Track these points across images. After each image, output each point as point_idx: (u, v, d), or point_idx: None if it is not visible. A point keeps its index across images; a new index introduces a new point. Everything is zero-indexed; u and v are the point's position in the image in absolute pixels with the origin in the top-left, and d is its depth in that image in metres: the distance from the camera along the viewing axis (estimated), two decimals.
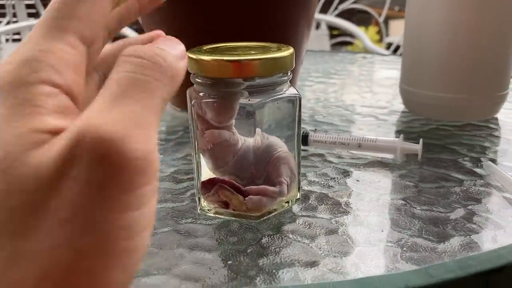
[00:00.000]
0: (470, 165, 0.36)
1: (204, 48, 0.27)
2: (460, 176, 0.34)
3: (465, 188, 0.33)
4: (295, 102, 0.27)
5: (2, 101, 0.16)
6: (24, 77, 0.17)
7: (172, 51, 0.19)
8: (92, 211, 0.14)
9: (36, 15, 1.86)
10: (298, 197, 0.30)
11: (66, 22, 0.19)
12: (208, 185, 0.27)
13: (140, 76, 0.17)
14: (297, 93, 0.27)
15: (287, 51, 0.26)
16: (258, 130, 0.26)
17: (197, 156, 0.28)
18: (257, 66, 0.24)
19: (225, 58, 0.24)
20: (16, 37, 1.90)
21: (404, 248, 0.26)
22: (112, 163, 0.15)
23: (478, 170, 0.35)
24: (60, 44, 0.18)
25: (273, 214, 0.29)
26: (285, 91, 0.27)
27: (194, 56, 0.25)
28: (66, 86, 0.18)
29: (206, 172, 0.28)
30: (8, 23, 1.85)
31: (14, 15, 1.81)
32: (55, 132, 0.16)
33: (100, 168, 0.15)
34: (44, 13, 0.19)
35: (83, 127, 0.15)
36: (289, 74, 0.27)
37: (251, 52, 0.26)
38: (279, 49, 0.26)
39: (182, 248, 0.26)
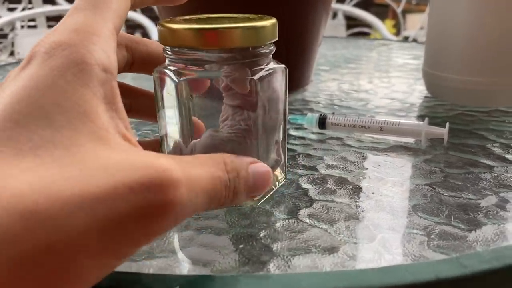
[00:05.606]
0: (500, 151, 0.34)
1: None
2: (489, 162, 0.32)
3: (496, 174, 0.30)
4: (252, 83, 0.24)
5: (62, 72, 0.17)
6: (82, 57, 0.18)
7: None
8: None
9: (51, 2, 1.85)
10: (281, 178, 0.28)
11: (106, 13, 0.20)
12: None
13: None
14: (252, 76, 0.23)
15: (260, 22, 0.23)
16: None
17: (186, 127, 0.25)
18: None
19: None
20: (31, 23, 1.89)
21: (432, 236, 0.23)
22: None
23: (509, 157, 0.33)
24: (105, 29, 0.19)
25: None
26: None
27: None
28: (114, 70, 0.19)
29: None
30: (23, 9, 1.85)
31: (30, 1, 1.81)
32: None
33: None
34: (78, 2, 0.20)
35: None
36: (269, 47, 0.24)
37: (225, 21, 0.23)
38: (251, 20, 0.24)
39: (190, 230, 0.24)
